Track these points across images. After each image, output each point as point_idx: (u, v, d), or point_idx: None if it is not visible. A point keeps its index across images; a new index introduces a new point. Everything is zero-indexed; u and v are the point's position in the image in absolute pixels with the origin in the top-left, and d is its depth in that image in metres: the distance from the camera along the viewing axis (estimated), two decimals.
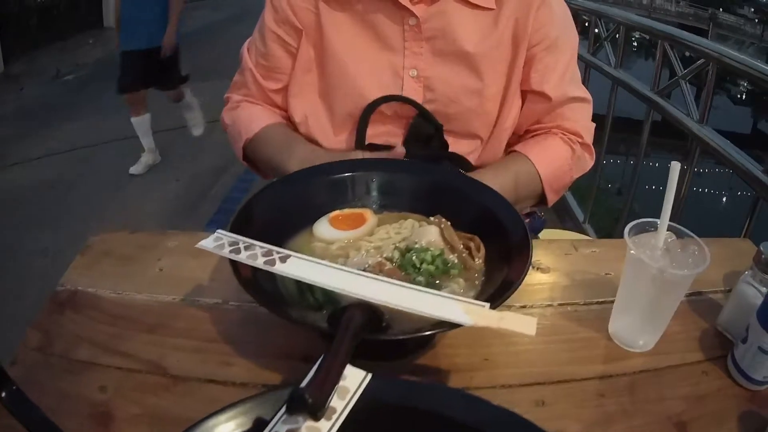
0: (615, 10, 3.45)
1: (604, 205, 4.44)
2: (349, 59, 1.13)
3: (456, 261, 0.81)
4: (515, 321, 0.60)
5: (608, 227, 4.07)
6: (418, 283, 0.76)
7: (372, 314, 0.62)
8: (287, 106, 1.21)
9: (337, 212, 0.91)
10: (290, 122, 1.23)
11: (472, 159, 1.18)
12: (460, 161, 1.16)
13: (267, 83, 1.21)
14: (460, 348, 0.78)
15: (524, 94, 1.17)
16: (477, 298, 0.74)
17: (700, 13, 26.83)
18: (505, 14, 1.11)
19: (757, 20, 26.95)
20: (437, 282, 0.79)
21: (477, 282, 0.80)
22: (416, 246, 0.81)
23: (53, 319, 0.82)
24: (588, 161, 1.23)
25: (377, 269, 0.74)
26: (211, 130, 4.72)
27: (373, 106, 1.12)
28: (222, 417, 0.52)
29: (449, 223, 0.86)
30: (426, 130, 1.14)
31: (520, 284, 0.69)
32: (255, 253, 0.68)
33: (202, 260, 0.91)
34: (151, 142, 4.58)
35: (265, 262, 0.67)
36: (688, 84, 2.54)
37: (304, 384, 0.49)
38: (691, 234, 0.77)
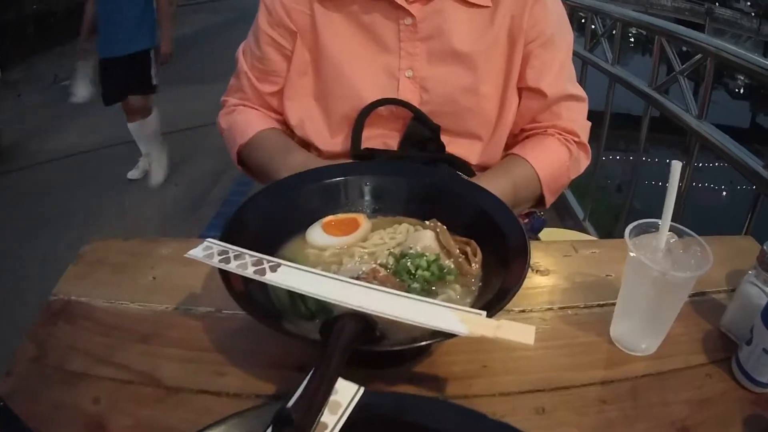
0: (611, 6, 3.43)
1: (604, 202, 4.43)
2: (344, 61, 1.12)
3: (452, 266, 0.80)
4: (513, 330, 0.58)
5: (609, 224, 4.06)
6: (413, 290, 0.74)
7: (365, 324, 0.61)
8: (283, 109, 1.20)
9: (330, 218, 0.90)
10: (286, 126, 1.22)
11: (472, 159, 1.18)
12: (457, 164, 1.15)
13: (262, 86, 1.21)
14: (458, 355, 0.76)
15: (520, 91, 1.17)
16: (474, 304, 0.73)
17: (696, 8, 26.81)
18: (501, 12, 1.10)
19: (753, 14, 26.93)
20: (433, 288, 0.77)
21: (474, 288, 0.78)
22: (411, 251, 0.80)
23: (47, 329, 0.81)
24: (584, 161, 1.23)
25: (371, 276, 0.72)
26: (209, 134, 4.71)
27: (368, 110, 1.11)
28: None
29: (445, 227, 0.85)
30: (422, 134, 1.13)
31: (517, 290, 0.68)
32: (245, 262, 0.67)
33: (195, 268, 0.89)
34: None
35: (255, 272, 0.66)
36: (686, 79, 2.53)
37: (291, 402, 0.48)
38: (694, 234, 0.76)
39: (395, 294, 0.64)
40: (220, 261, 0.68)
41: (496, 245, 0.80)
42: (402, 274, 0.77)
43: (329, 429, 0.49)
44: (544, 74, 1.13)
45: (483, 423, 0.52)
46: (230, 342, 0.79)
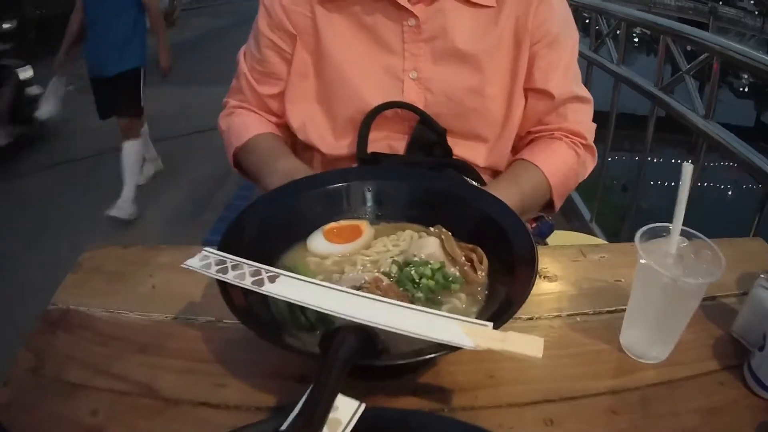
0: (615, 6, 3.42)
1: (610, 202, 4.42)
2: (346, 63, 1.11)
3: (457, 274, 0.78)
4: (520, 342, 0.56)
5: (615, 225, 4.04)
6: (417, 299, 0.73)
7: (366, 336, 0.59)
8: (284, 112, 1.19)
9: (332, 224, 0.88)
10: (287, 129, 1.22)
11: (479, 162, 1.17)
12: (464, 168, 1.13)
13: (261, 88, 1.20)
14: (463, 365, 0.74)
15: (526, 92, 1.15)
16: (480, 313, 0.71)
17: (700, 7, 26.76)
18: (505, 12, 1.09)
19: (757, 12, 26.86)
20: (438, 298, 0.76)
21: (480, 297, 0.76)
22: (415, 259, 0.78)
23: (45, 339, 0.80)
24: (590, 163, 1.22)
25: (373, 286, 0.70)
26: (211, 138, 4.70)
27: (374, 113, 1.10)
28: None
29: (450, 233, 0.83)
30: (428, 137, 1.12)
31: (525, 300, 0.66)
32: (243, 273, 0.66)
33: (195, 276, 0.86)
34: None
35: (253, 282, 0.64)
36: (692, 79, 2.51)
37: (288, 422, 0.46)
38: (705, 238, 0.74)
39: (398, 305, 0.62)
40: (218, 271, 0.66)
41: (503, 252, 0.78)
42: (405, 284, 0.75)
43: None
44: (550, 75, 1.12)
45: None
46: (230, 352, 0.78)
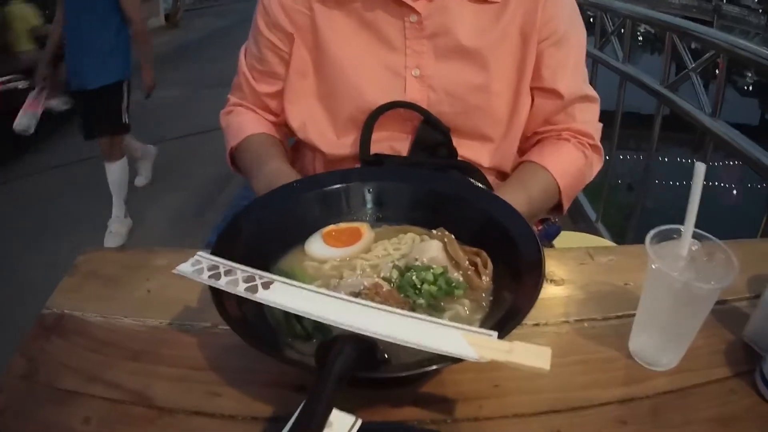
0: (620, 3, 3.39)
1: (615, 202, 4.40)
2: (347, 61, 1.10)
3: (461, 280, 0.76)
4: (527, 353, 0.54)
5: (620, 224, 4.02)
6: (419, 306, 0.71)
7: (365, 347, 0.56)
8: (283, 111, 1.18)
9: (331, 227, 0.86)
10: (286, 127, 1.21)
11: (484, 162, 1.15)
12: (468, 170, 1.11)
13: (260, 86, 1.20)
14: (466, 373, 0.72)
15: (533, 91, 1.13)
16: (484, 321, 0.69)
17: (704, 5, 26.68)
18: (511, 7, 1.07)
19: (761, 10, 26.78)
20: (441, 304, 0.74)
21: (484, 303, 0.74)
22: (417, 263, 0.76)
23: (39, 344, 0.79)
24: (597, 164, 1.21)
25: (373, 292, 0.68)
26: (216, 138, 4.68)
27: (377, 113, 1.09)
28: None
29: (453, 236, 0.81)
30: (433, 138, 1.10)
31: (531, 307, 0.64)
32: (235, 278, 0.63)
33: (191, 280, 0.86)
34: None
35: (246, 289, 0.62)
36: (698, 77, 2.48)
37: None
38: (717, 240, 0.72)
39: (398, 313, 0.60)
40: (210, 277, 0.64)
41: (508, 256, 0.76)
42: (406, 289, 0.73)
43: None
44: (559, 74, 1.10)
45: None
46: (226, 359, 0.76)
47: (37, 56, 3.58)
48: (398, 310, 0.62)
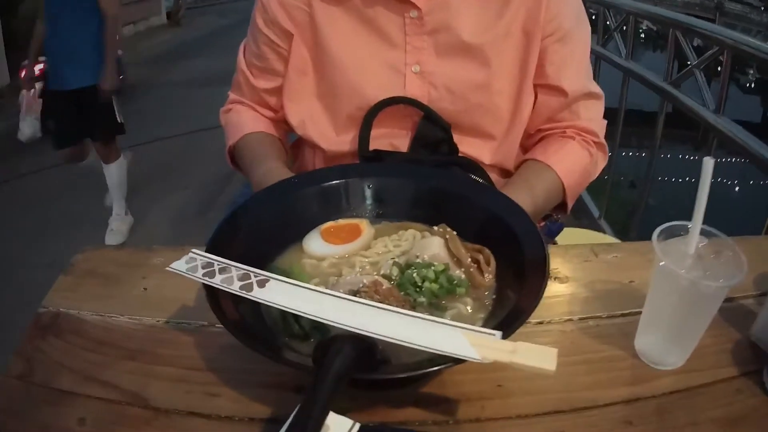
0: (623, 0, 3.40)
1: (618, 198, 4.39)
2: (347, 57, 1.08)
3: (462, 277, 0.74)
4: (531, 354, 0.52)
5: (623, 221, 4.02)
6: (419, 305, 0.69)
7: (364, 347, 0.55)
8: (281, 107, 1.18)
9: (330, 224, 0.85)
10: (285, 124, 1.20)
11: (486, 160, 1.13)
12: (470, 166, 1.10)
13: (258, 82, 1.19)
14: (469, 373, 0.71)
15: (537, 88, 1.12)
16: (487, 320, 0.68)
17: (706, 3, 26.63)
18: (514, 4, 1.05)
19: (763, 8, 26.73)
20: (442, 302, 0.72)
21: (486, 302, 0.73)
22: (417, 261, 0.75)
23: (35, 344, 0.79)
24: (601, 162, 1.19)
25: (372, 290, 0.66)
26: (215, 137, 4.68)
27: (377, 109, 1.07)
28: None
29: (455, 233, 0.79)
30: (434, 134, 1.09)
31: (536, 307, 0.62)
32: (230, 276, 0.62)
33: (187, 278, 0.86)
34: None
35: (241, 287, 0.61)
36: (702, 73, 2.47)
37: None
38: (725, 237, 0.70)
39: (398, 313, 0.58)
40: (204, 275, 0.62)
41: (512, 253, 0.74)
42: (407, 287, 0.72)
43: None
44: (564, 71, 1.09)
45: None
46: (223, 359, 0.75)
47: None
48: (398, 309, 0.60)
